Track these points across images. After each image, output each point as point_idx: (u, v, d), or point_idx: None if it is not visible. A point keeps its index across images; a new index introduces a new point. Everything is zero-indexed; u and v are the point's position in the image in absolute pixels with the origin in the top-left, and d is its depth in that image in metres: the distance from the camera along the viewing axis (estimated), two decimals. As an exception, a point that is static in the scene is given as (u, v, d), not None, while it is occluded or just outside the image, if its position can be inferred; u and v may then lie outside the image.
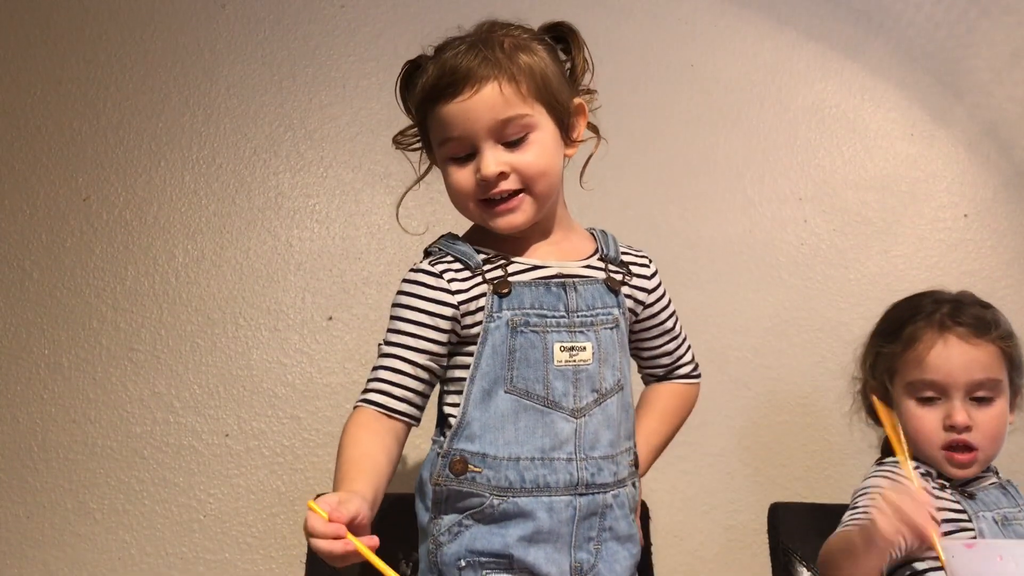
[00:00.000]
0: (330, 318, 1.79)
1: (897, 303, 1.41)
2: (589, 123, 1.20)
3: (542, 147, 1.10)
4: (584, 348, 1.09)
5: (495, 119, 1.06)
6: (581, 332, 1.10)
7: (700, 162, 1.94)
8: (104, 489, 1.70)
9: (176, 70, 1.87)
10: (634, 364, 1.30)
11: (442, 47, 1.12)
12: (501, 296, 1.09)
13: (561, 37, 1.17)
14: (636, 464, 1.17)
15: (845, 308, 1.91)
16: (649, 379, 1.31)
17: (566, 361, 1.08)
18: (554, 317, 1.09)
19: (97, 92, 1.85)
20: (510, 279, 1.10)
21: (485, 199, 1.10)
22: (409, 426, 1.13)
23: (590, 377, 1.10)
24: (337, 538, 0.89)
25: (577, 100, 1.16)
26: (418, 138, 1.20)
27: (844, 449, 1.85)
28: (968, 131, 2.01)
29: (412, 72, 1.16)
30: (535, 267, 1.13)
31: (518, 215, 1.11)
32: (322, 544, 0.89)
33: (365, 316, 1.80)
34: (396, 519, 1.34)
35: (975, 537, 1.21)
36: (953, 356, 1.27)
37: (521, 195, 1.10)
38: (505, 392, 1.07)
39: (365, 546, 0.90)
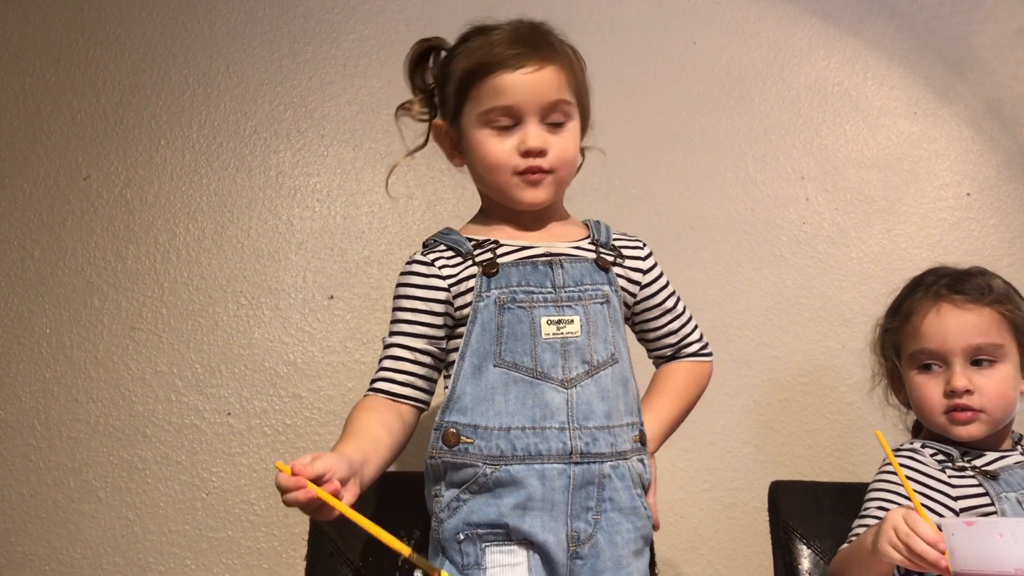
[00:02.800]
0: (331, 297, 1.79)
1: (899, 295, 1.43)
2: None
3: (573, 137, 1.18)
4: (572, 321, 1.12)
5: (549, 99, 1.13)
6: (569, 306, 1.13)
7: (702, 140, 1.93)
8: (107, 467, 1.71)
9: (175, 48, 1.86)
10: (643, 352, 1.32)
11: (490, 27, 1.18)
12: (489, 276, 1.13)
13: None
14: (643, 442, 1.17)
15: (847, 287, 1.91)
16: (659, 361, 1.32)
17: (554, 334, 1.11)
18: (541, 293, 1.13)
19: (96, 71, 1.84)
20: (499, 260, 1.15)
21: (521, 172, 1.15)
22: (417, 410, 1.17)
23: (579, 349, 1.12)
24: (300, 489, 0.92)
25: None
26: (425, 109, 1.24)
27: (844, 427, 1.86)
28: (972, 109, 2.00)
29: (426, 51, 1.24)
30: (523, 247, 1.17)
31: (542, 192, 1.16)
32: (287, 497, 0.93)
33: (367, 295, 1.80)
34: (400, 497, 1.35)
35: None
36: (946, 323, 1.29)
37: (547, 175, 1.16)
38: (494, 366, 1.10)
39: (326, 492, 0.93)
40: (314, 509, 0.94)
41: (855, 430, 1.86)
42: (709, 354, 1.32)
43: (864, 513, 1.28)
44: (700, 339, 1.31)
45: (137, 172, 1.81)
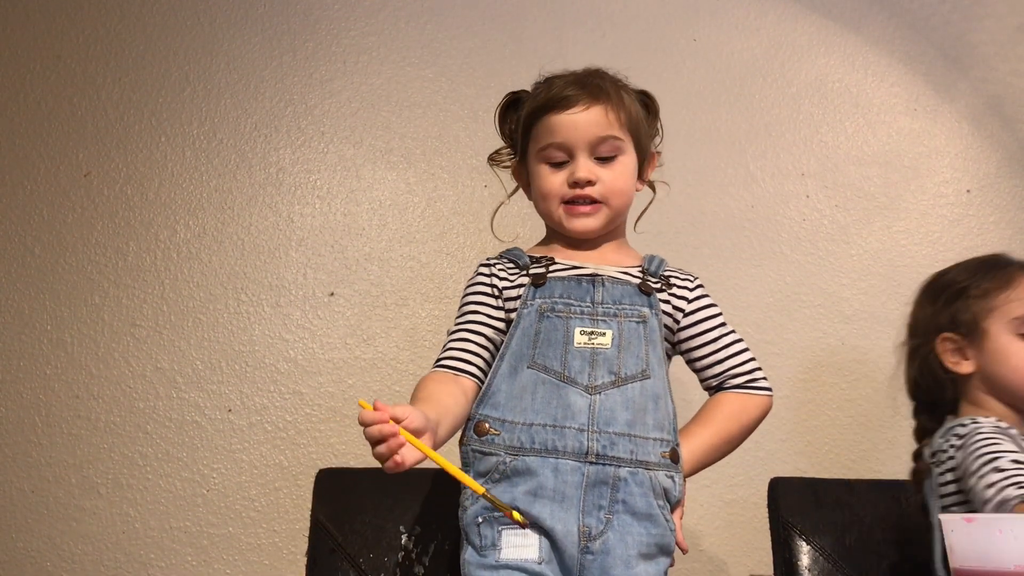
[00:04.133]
0: (332, 294, 1.80)
1: (950, 272, 1.46)
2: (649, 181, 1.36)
3: (625, 169, 1.26)
4: (604, 334, 1.20)
5: (596, 135, 1.23)
6: (603, 321, 1.20)
7: (702, 137, 1.93)
8: (108, 464, 1.71)
9: (176, 45, 1.86)
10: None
11: (556, 76, 1.29)
12: (537, 287, 1.23)
13: (645, 103, 1.34)
14: (674, 459, 1.21)
15: (847, 283, 1.91)
16: (708, 390, 1.34)
17: (585, 344, 1.19)
18: (579, 306, 1.21)
19: (97, 67, 1.84)
20: (549, 275, 1.24)
21: (569, 202, 1.25)
22: (477, 385, 1.22)
23: (608, 360, 1.18)
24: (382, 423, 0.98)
25: (652, 150, 1.34)
26: (512, 155, 1.35)
27: (844, 424, 1.86)
28: (972, 106, 2.00)
29: (513, 103, 1.34)
30: (575, 267, 1.25)
31: (592, 220, 1.25)
32: (372, 431, 0.98)
33: (367, 292, 1.80)
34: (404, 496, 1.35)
35: None
36: None
37: (599, 205, 1.25)
38: (528, 367, 1.18)
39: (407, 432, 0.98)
40: (389, 455, 0.98)
41: (855, 426, 1.86)
42: (760, 388, 1.30)
43: (1005, 471, 1.27)
44: (749, 372, 1.30)
45: (137, 169, 1.81)
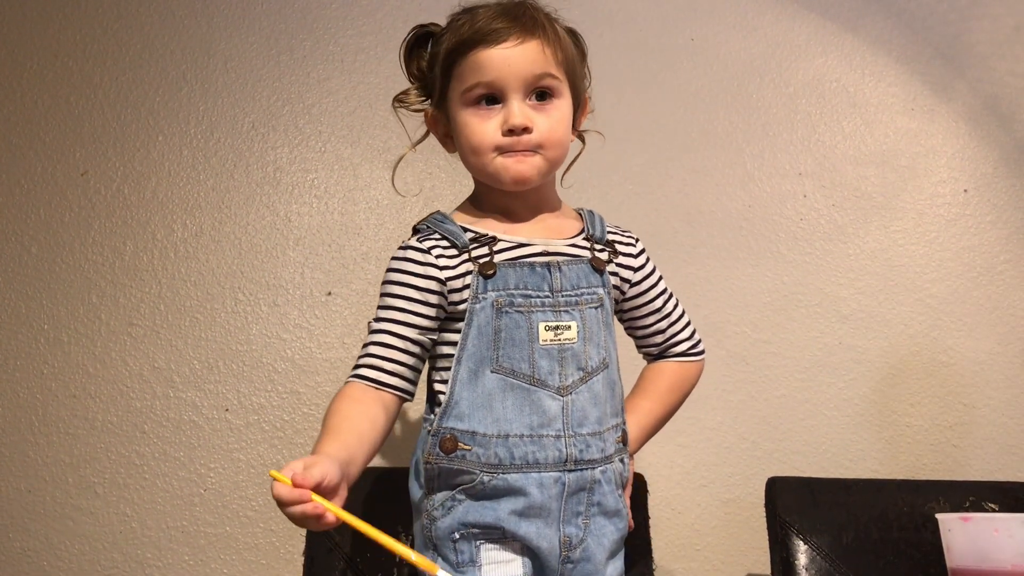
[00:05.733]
0: (329, 293, 1.79)
1: None
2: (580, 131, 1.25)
3: (561, 115, 1.14)
4: (569, 327, 1.11)
5: (532, 73, 1.10)
6: (566, 311, 1.12)
7: (699, 136, 1.93)
8: (105, 463, 1.71)
9: (173, 44, 1.86)
10: (632, 342, 1.31)
11: (479, 5, 1.15)
12: (486, 277, 1.11)
13: (576, 42, 1.22)
14: (624, 441, 1.18)
15: (844, 283, 1.91)
16: (647, 357, 1.31)
17: (551, 340, 1.10)
18: (539, 297, 1.11)
19: (94, 66, 1.84)
20: (496, 258, 1.12)
21: (505, 151, 1.12)
22: (400, 400, 1.13)
23: (575, 355, 1.11)
24: (304, 502, 0.88)
25: (586, 94, 1.22)
26: (422, 98, 1.21)
27: (841, 423, 1.86)
28: (969, 105, 2.00)
29: (421, 37, 1.20)
30: (521, 244, 1.15)
31: (530, 170, 1.13)
32: (293, 510, 0.88)
33: (364, 291, 1.80)
34: (394, 493, 1.35)
35: None
36: None
37: (534, 155, 1.13)
38: (492, 372, 1.09)
39: (334, 504, 0.89)
40: (314, 520, 0.89)
41: (852, 426, 1.86)
42: (698, 353, 1.29)
43: None
44: (690, 337, 1.28)
45: (135, 168, 1.81)
